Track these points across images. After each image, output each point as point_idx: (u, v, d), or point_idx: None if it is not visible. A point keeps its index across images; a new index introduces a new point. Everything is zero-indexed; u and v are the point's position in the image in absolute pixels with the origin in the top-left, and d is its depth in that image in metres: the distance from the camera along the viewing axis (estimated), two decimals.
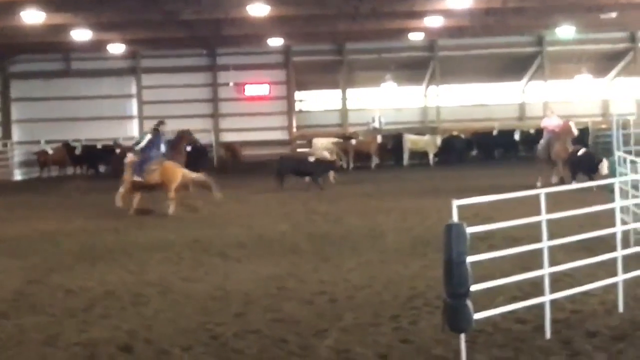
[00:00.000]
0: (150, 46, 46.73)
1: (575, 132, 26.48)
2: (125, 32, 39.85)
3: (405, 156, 40.11)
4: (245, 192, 29.08)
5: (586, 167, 24.05)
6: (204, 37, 42.39)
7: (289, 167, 29.47)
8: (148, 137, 23.90)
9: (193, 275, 13.81)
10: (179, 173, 23.31)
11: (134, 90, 49.93)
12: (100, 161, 44.28)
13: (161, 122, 24.39)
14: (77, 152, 44.20)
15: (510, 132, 43.47)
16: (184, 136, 29.18)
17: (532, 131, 42.75)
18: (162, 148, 23.76)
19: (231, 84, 49.83)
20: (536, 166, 27.55)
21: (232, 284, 12.88)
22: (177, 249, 16.55)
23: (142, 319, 10.84)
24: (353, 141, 41.32)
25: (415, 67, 50.20)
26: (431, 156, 40.04)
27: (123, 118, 49.68)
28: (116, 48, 43.65)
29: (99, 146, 44.21)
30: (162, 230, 19.58)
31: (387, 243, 16.44)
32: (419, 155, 41.52)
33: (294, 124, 49.92)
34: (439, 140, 40.41)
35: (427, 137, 41.02)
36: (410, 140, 40.34)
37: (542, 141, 27.20)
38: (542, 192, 9.31)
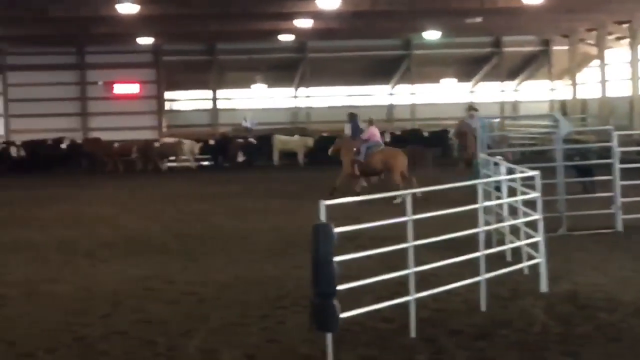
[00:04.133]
0: (17, 43, 45.71)
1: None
2: None
3: (275, 156, 40.05)
4: (113, 191, 28.71)
5: None
6: (73, 34, 41.73)
7: None
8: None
9: (59, 276, 13.57)
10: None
11: None
12: None
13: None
14: None
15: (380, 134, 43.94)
16: None
17: (398, 132, 43.46)
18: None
19: (100, 82, 49.11)
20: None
21: (98, 285, 12.71)
22: (42, 249, 16.24)
23: (5, 321, 10.61)
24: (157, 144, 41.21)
25: (286, 69, 50.42)
26: (301, 157, 40.13)
27: None
28: None
29: None
30: (27, 230, 19.16)
31: (257, 243, 16.46)
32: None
33: (164, 123, 49.53)
34: (310, 141, 40.53)
35: (296, 138, 41.14)
36: (280, 141, 40.35)
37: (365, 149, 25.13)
38: (408, 193, 9.48)
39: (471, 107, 26.76)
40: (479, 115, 26.58)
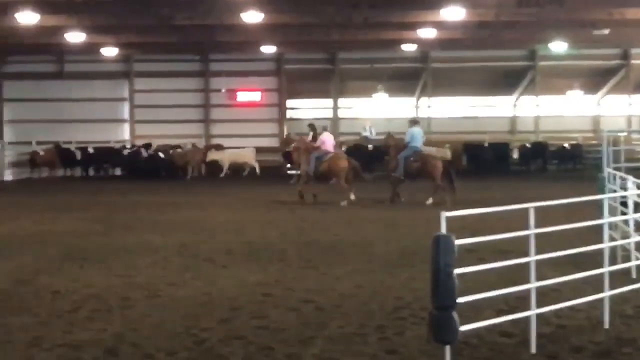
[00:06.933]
0: (144, 50, 46.76)
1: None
2: (119, 36, 39.88)
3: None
4: (233, 198, 29.07)
5: None
6: (197, 42, 42.45)
7: None
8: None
9: (180, 279, 13.78)
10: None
11: (126, 93, 49.96)
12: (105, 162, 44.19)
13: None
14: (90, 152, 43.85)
15: (503, 145, 43.65)
16: None
17: (528, 145, 43.23)
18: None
19: (223, 90, 49.88)
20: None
21: (218, 290, 12.86)
22: (164, 253, 16.52)
23: (128, 322, 10.82)
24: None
25: (407, 78, 50.30)
26: None
27: (115, 121, 49.74)
28: (110, 51, 43.68)
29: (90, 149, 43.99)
30: (150, 233, 19.56)
31: (375, 253, 16.43)
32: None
33: (285, 131, 49.93)
34: (448, 153, 40.21)
35: (431, 149, 40.85)
36: None
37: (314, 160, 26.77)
38: (531, 206, 9.32)
39: (413, 121, 27.79)
40: (414, 131, 27.03)
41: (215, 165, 41.85)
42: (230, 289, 12.91)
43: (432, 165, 26.35)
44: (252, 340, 9.88)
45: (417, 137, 26.88)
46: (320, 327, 10.47)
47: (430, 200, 25.63)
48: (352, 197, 26.01)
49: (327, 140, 27.34)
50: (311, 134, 35.07)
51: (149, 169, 41.40)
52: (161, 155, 41.55)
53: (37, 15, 32.12)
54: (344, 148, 40.86)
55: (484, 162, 42.08)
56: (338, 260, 15.62)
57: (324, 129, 28.30)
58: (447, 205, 24.38)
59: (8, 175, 44.55)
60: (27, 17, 32.07)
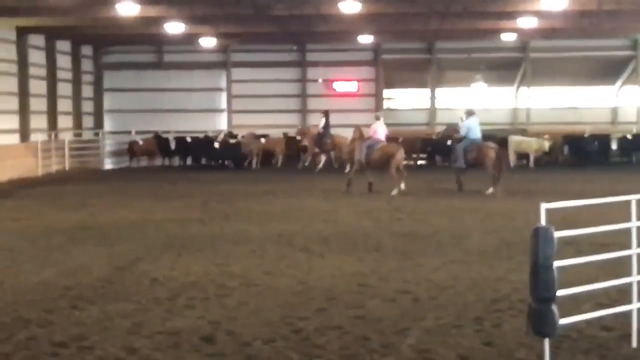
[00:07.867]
0: (241, 40, 47.17)
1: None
2: (217, 26, 40.25)
3: (512, 157, 38.78)
4: (326, 187, 29.10)
5: None
6: (295, 32, 42.60)
7: None
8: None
9: (276, 269, 13.86)
10: None
11: (223, 83, 50.45)
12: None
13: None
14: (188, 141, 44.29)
15: (604, 136, 42.76)
16: None
17: (629, 136, 42.32)
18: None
19: (320, 80, 49.99)
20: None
21: (314, 279, 12.90)
22: (261, 242, 16.64)
23: (225, 311, 10.92)
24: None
25: (506, 68, 49.78)
26: (532, 158, 39.46)
27: (212, 111, 50.28)
28: (208, 41, 44.11)
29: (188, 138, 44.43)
30: (247, 223, 19.71)
31: (472, 244, 16.29)
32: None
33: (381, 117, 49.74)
34: (546, 144, 39.70)
35: (530, 139, 40.53)
36: (515, 142, 39.61)
37: (366, 148, 27.52)
38: (633, 198, 9.12)
39: (469, 112, 27.94)
40: (470, 121, 27.27)
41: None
42: (326, 279, 12.94)
43: (484, 155, 26.68)
44: (348, 330, 9.88)
45: (474, 128, 27.08)
46: (417, 318, 10.42)
47: (490, 190, 26.01)
48: (402, 186, 26.45)
49: (379, 129, 27.93)
50: (323, 120, 37.01)
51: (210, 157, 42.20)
52: (216, 145, 41.64)
53: (137, 6, 32.60)
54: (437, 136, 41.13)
55: (584, 154, 41.29)
56: (434, 251, 15.53)
57: (377, 118, 28.93)
58: (496, 194, 25.35)
59: (108, 164, 45.41)
60: (127, 8, 32.59)
